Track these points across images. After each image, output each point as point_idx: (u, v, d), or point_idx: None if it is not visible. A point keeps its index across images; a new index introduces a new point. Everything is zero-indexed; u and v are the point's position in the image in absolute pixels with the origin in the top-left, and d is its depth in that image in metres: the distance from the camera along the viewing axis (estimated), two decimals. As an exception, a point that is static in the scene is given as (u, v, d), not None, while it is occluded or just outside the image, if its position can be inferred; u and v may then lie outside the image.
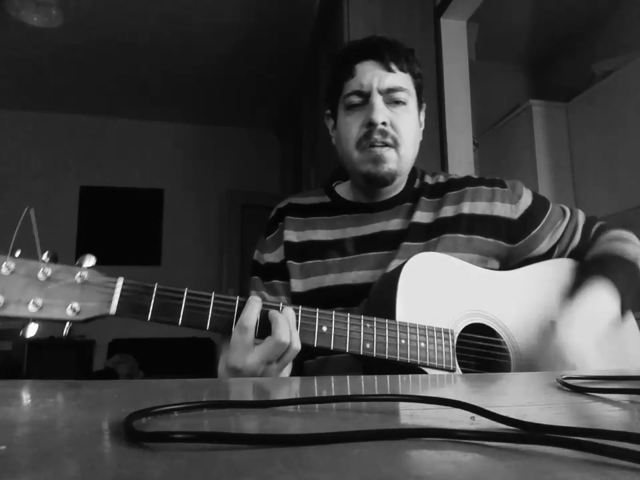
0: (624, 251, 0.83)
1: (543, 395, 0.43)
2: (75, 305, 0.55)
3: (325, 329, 0.65)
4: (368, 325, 0.67)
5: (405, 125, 0.84)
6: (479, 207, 0.88)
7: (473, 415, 0.31)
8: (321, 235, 0.90)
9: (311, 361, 0.85)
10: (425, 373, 0.69)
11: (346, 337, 0.65)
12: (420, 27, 2.17)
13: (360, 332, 0.66)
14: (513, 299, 0.80)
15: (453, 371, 0.70)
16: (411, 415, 0.35)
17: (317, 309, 0.66)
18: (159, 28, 3.16)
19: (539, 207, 0.89)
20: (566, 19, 3.05)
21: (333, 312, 0.66)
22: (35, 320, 0.54)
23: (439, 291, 0.75)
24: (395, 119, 0.83)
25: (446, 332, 0.71)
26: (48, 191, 4.16)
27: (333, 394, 0.45)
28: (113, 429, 0.28)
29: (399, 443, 0.25)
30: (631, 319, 0.81)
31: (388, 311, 0.70)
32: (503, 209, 0.88)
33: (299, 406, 0.36)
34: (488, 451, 0.24)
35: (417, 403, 0.36)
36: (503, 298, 0.79)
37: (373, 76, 0.83)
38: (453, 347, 0.70)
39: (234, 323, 0.62)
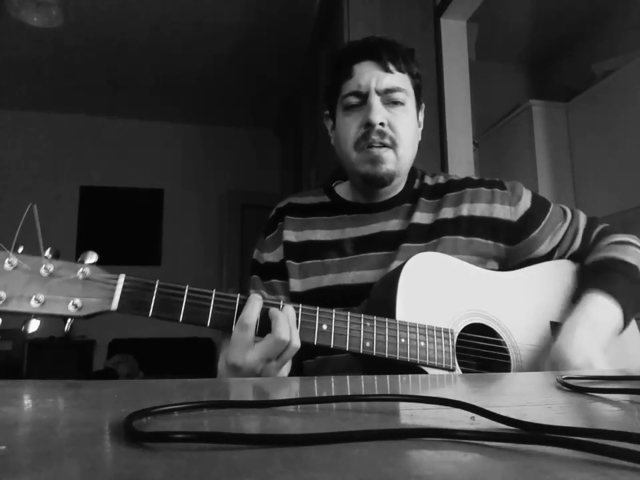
0: (625, 257, 0.81)
1: (543, 395, 0.43)
2: (77, 301, 0.56)
3: (325, 327, 0.65)
4: (368, 324, 0.67)
5: (403, 125, 0.84)
6: (477, 209, 0.88)
7: (473, 415, 0.31)
8: (320, 235, 0.90)
9: (310, 360, 0.85)
10: (425, 372, 0.69)
11: (346, 335, 0.66)
12: (420, 27, 2.17)
13: (360, 330, 0.66)
14: (513, 299, 0.80)
15: (453, 370, 0.70)
16: (411, 415, 0.35)
17: (317, 308, 0.66)
18: (159, 28, 3.16)
19: (538, 209, 0.89)
20: (566, 19, 3.05)
21: (333, 310, 0.66)
22: (36, 315, 0.55)
23: (439, 290, 0.75)
24: (392, 119, 0.83)
25: (446, 331, 0.71)
26: (48, 190, 4.15)
27: (333, 394, 0.45)
28: (112, 429, 0.28)
29: (399, 443, 0.25)
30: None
31: (388, 310, 0.70)
32: (502, 211, 0.87)
33: (298, 406, 0.36)
34: (488, 450, 0.24)
35: (416, 402, 0.36)
36: (503, 298, 0.79)
37: (371, 76, 0.82)
38: (452, 346, 0.70)
39: (234, 321, 0.62)
